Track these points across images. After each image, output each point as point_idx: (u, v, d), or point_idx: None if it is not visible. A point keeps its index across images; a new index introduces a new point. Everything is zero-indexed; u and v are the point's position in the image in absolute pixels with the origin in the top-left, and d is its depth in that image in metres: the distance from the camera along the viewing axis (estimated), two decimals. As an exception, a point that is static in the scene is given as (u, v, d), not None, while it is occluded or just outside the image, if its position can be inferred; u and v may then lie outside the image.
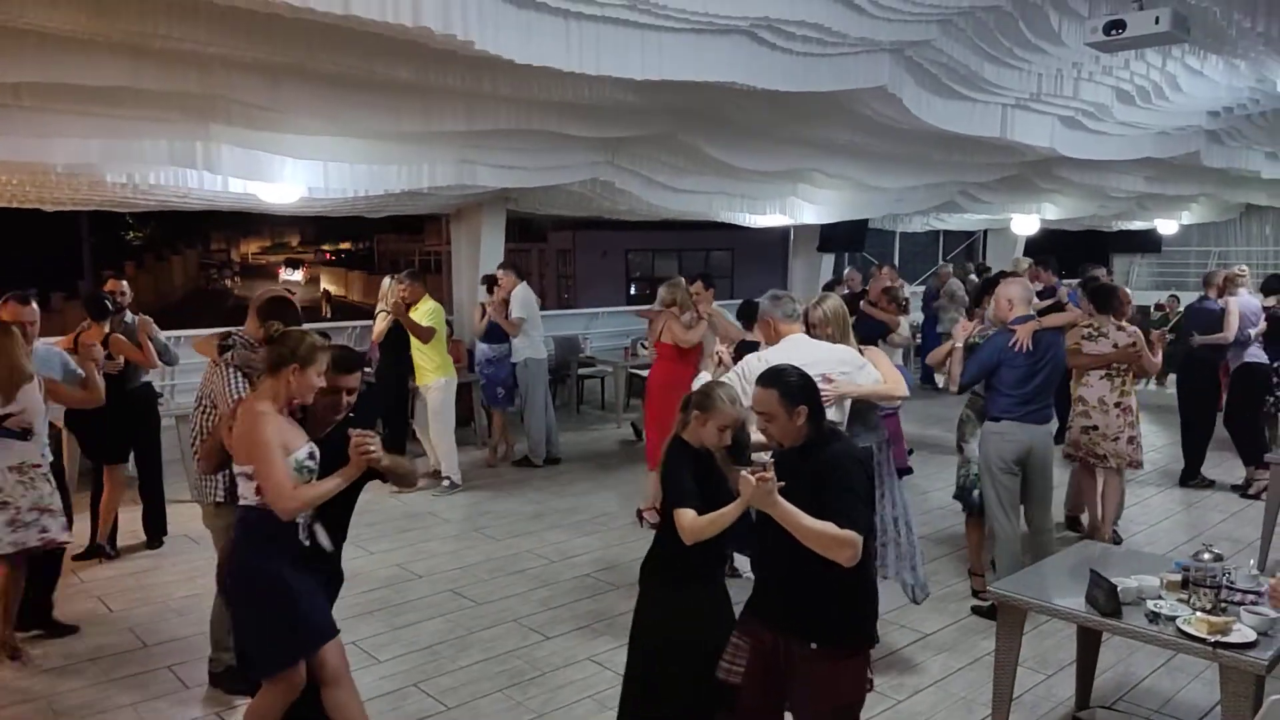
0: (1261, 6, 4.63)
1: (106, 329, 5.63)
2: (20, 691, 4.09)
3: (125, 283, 6.34)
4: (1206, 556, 3.18)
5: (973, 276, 14.01)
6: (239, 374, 3.77)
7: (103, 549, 5.74)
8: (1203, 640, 2.94)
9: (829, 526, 2.57)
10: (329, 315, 33.50)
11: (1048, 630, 4.60)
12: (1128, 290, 6.95)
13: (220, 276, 55.05)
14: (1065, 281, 9.59)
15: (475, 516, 6.76)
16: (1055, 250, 11.10)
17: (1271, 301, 7.62)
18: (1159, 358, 5.93)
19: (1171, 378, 9.33)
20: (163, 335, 6.11)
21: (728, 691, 2.91)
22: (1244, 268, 7.94)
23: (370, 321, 8.06)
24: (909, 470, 7.67)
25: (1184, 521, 6.70)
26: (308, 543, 3.06)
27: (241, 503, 3.07)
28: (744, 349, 4.84)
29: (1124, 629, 3.18)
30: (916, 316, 12.02)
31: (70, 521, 4.53)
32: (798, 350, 3.95)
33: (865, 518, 2.67)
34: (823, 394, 3.88)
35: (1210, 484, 7.51)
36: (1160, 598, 3.23)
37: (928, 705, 4.00)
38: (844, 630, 2.74)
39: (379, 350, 7.57)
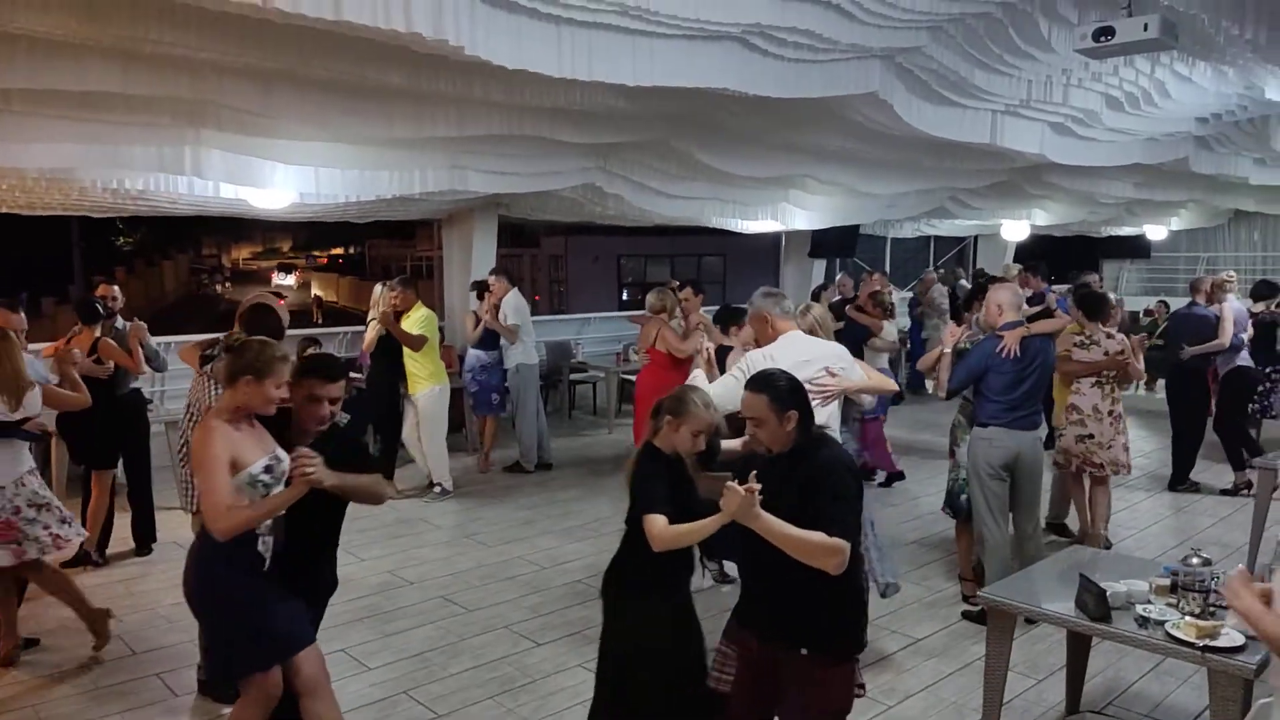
0: (1249, 14, 4.66)
1: (97, 333, 5.62)
2: (6, 701, 4.06)
3: (116, 288, 6.32)
4: (1195, 561, 3.20)
5: (963, 282, 14.07)
6: (218, 385, 3.76)
7: (89, 555, 5.71)
8: (1191, 644, 2.96)
9: (813, 535, 2.55)
10: (320, 321, 33.41)
11: (1038, 635, 4.61)
12: (1112, 295, 6.99)
13: (211, 282, 54.87)
14: (1054, 288, 9.64)
15: (466, 523, 6.75)
16: (1045, 256, 11.16)
17: (1260, 307, 7.67)
18: (1141, 363, 5.96)
19: (1160, 383, 9.37)
20: (154, 341, 6.09)
21: (716, 700, 2.91)
22: (1232, 274, 7.99)
23: (362, 327, 8.04)
24: (900, 475, 7.71)
25: (1173, 526, 6.72)
26: (265, 552, 3.01)
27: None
28: (720, 355, 4.80)
29: (1113, 633, 3.19)
30: (905, 322, 12.04)
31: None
32: (796, 347, 3.96)
33: (856, 524, 2.67)
34: (827, 388, 3.92)
35: (1198, 488, 7.54)
36: (1149, 602, 3.24)
37: (918, 710, 4.01)
38: (833, 636, 2.73)
39: (370, 358, 7.54)
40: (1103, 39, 4.57)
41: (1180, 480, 7.56)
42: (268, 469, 2.99)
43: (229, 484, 2.88)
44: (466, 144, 6.47)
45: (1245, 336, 7.51)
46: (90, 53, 4.17)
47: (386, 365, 7.31)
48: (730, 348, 5.09)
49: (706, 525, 2.73)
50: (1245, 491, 7.13)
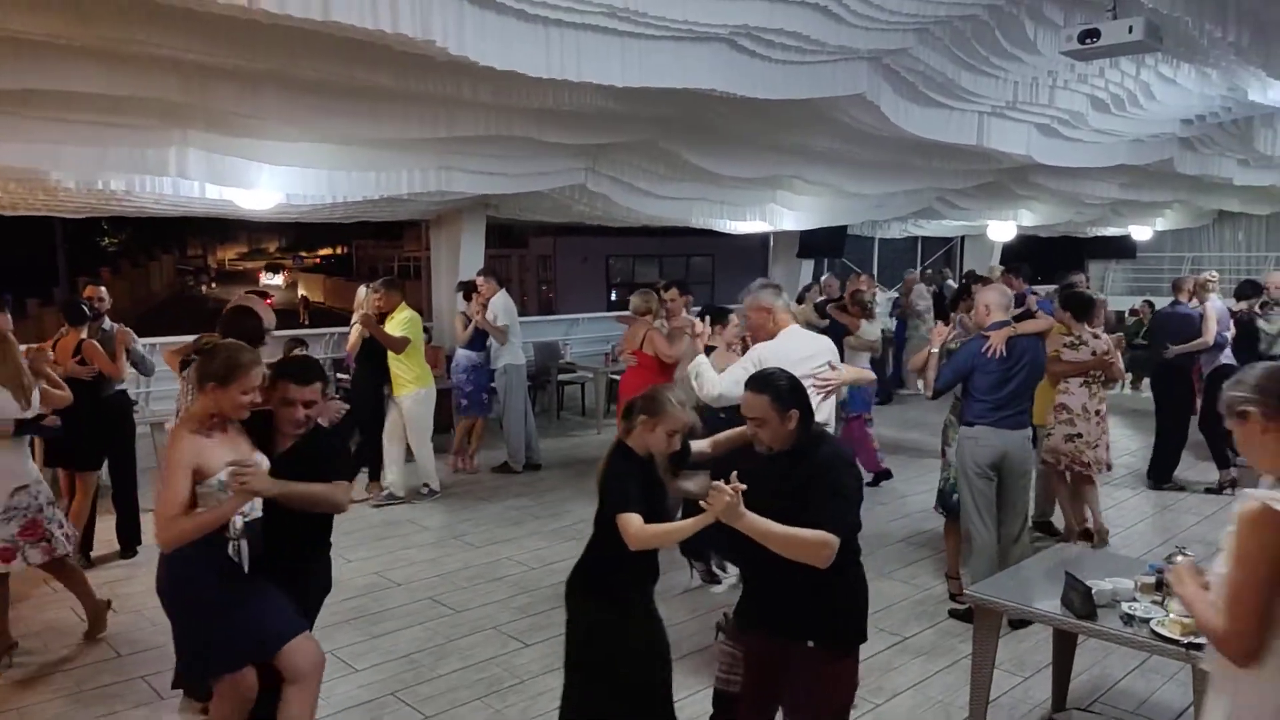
0: (1232, 16, 4.69)
1: (83, 335, 5.59)
2: (-9, 703, 4.04)
3: (104, 289, 6.29)
4: (1180, 559, 3.20)
5: (950, 282, 14.15)
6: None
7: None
8: (1176, 642, 2.99)
9: (798, 531, 2.57)
10: (306, 321, 33.26)
11: (1024, 633, 4.63)
12: (1098, 296, 7.05)
13: (197, 283, 54.59)
14: (1035, 289, 9.68)
15: (454, 524, 6.73)
16: (1031, 256, 11.23)
17: (1242, 306, 7.73)
18: (1121, 363, 6.05)
19: (1146, 381, 9.44)
20: (141, 345, 6.08)
21: (726, 701, 2.92)
22: (1214, 273, 8.06)
23: (348, 329, 8.00)
24: (887, 474, 7.74)
25: (1158, 524, 6.77)
26: (235, 558, 3.00)
27: None
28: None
29: (1099, 631, 3.22)
30: (892, 322, 12.08)
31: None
32: (799, 342, 4.00)
33: (853, 520, 2.70)
34: (830, 381, 3.95)
35: (1183, 487, 7.59)
36: (1135, 600, 3.27)
37: (906, 709, 4.02)
38: (839, 628, 2.77)
39: (355, 360, 7.45)
40: (1088, 41, 4.60)
41: (1164, 479, 7.61)
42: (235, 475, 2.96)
43: (182, 495, 2.87)
44: (455, 145, 6.46)
45: (1229, 335, 7.57)
46: (76, 53, 4.14)
47: (371, 368, 7.23)
48: (714, 347, 5.10)
49: (686, 526, 2.73)
50: (1230, 490, 7.20)
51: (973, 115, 6.51)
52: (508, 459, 8.18)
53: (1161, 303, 9.57)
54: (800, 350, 3.89)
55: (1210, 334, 7.40)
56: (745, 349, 4.21)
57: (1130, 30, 4.49)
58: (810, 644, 2.72)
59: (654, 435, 2.93)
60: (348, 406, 3.84)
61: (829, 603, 2.72)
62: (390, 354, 7.01)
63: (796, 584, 2.69)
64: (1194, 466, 7.95)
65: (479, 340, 7.98)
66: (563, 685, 3.10)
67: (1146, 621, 3.12)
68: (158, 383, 7.86)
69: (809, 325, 5.22)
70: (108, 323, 5.87)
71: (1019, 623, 4.50)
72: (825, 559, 2.57)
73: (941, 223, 14.14)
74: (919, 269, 16.28)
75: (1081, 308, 5.93)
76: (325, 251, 56.54)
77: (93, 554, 5.86)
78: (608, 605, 2.97)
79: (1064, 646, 3.94)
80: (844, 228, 13.08)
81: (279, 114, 5.12)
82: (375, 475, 7.37)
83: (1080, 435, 5.83)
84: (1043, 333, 5.15)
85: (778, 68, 4.93)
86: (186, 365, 4.18)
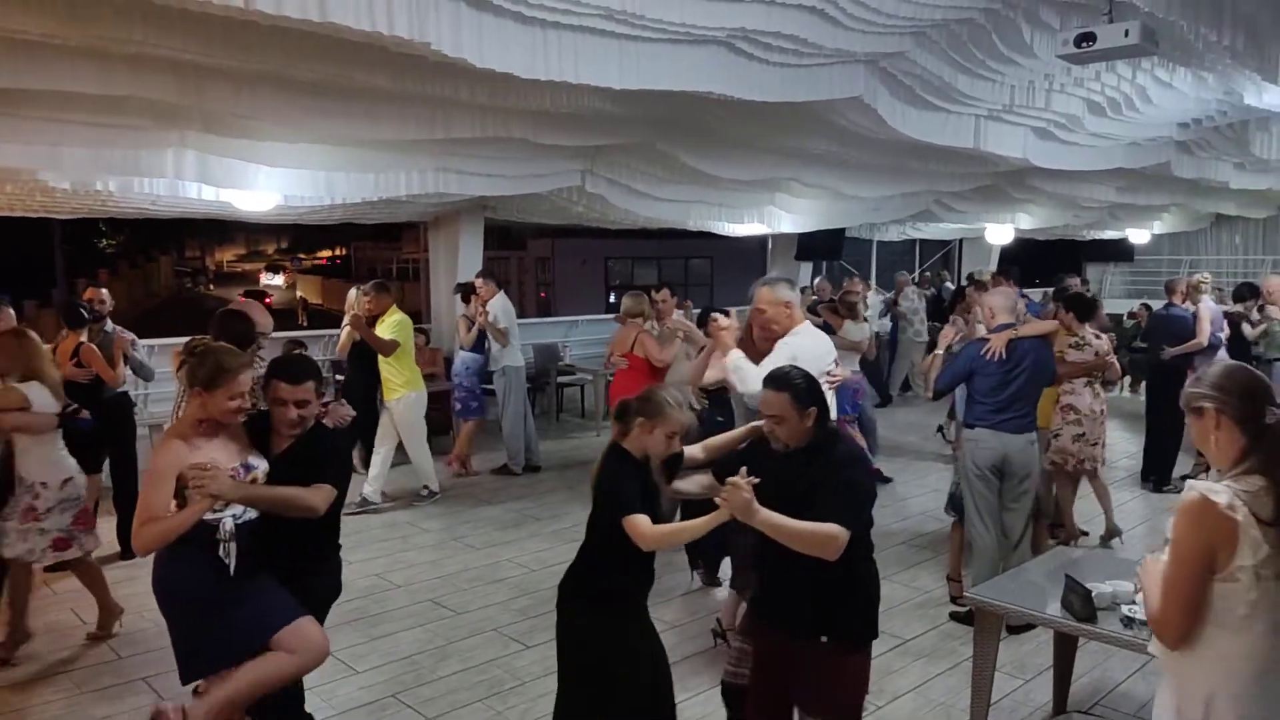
0: (1227, 21, 4.71)
1: (83, 338, 5.58)
2: (-10, 706, 4.04)
3: (105, 290, 6.26)
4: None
5: (948, 284, 14.16)
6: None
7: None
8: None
9: (810, 525, 2.59)
10: (305, 323, 33.25)
11: (1025, 636, 4.63)
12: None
13: (195, 284, 54.57)
14: (1025, 292, 9.70)
15: (454, 525, 6.73)
16: (1029, 259, 11.25)
17: (1238, 308, 7.76)
18: (1117, 363, 6.13)
19: (1145, 384, 9.45)
20: (143, 349, 6.10)
21: (733, 694, 2.94)
22: (1206, 275, 8.08)
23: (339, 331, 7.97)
24: (883, 477, 7.74)
25: (1157, 526, 6.78)
26: (227, 559, 2.99)
27: None
28: None
29: (1099, 634, 3.22)
30: (886, 325, 12.09)
31: None
32: (817, 337, 4.03)
33: (865, 516, 2.75)
34: (836, 377, 3.97)
35: (1180, 490, 7.60)
36: (1134, 602, 3.26)
37: (907, 711, 4.03)
38: (851, 623, 2.80)
39: (346, 362, 7.40)
40: (1084, 45, 4.61)
41: (1165, 481, 7.62)
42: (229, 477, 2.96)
43: (158, 501, 2.89)
44: (452, 146, 6.46)
45: (1223, 335, 7.59)
46: (72, 53, 4.13)
47: (361, 368, 7.18)
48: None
49: (699, 524, 2.71)
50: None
51: (969, 118, 6.52)
52: (507, 461, 8.18)
53: (1158, 306, 9.59)
54: (823, 347, 3.96)
55: (1204, 335, 7.42)
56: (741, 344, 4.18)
57: (1126, 34, 4.50)
58: (823, 639, 2.75)
59: (652, 437, 2.90)
60: (354, 413, 3.82)
61: (841, 599, 2.75)
62: (380, 357, 6.93)
63: (810, 580, 2.72)
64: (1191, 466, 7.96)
65: (480, 342, 7.99)
66: (556, 693, 3.04)
67: (1146, 624, 3.11)
68: (158, 384, 7.85)
69: None
70: (109, 324, 5.87)
71: (1018, 628, 4.50)
72: (835, 551, 2.60)
73: (939, 225, 14.16)
74: (917, 271, 16.31)
75: (1084, 309, 5.98)
76: (324, 253, 56.51)
77: (94, 556, 5.84)
78: (605, 611, 2.93)
79: (1065, 649, 3.94)
80: (842, 230, 13.09)
81: (276, 115, 5.13)
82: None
83: (1084, 435, 5.91)
84: (1048, 335, 5.14)
85: (775, 70, 4.94)
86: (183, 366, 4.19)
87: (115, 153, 5.65)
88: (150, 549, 2.92)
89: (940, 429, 9.50)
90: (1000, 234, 14.29)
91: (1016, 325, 4.88)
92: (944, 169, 8.21)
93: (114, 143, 5.55)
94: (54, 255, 27.95)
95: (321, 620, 3.34)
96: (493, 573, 5.74)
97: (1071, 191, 10.12)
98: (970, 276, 11.61)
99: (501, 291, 8.01)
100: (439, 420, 9.04)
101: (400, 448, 7.21)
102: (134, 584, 5.50)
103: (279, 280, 54.87)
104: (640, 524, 2.74)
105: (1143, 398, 9.47)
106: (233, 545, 2.99)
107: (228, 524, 2.97)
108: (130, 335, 6.10)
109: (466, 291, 8.21)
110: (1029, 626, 4.42)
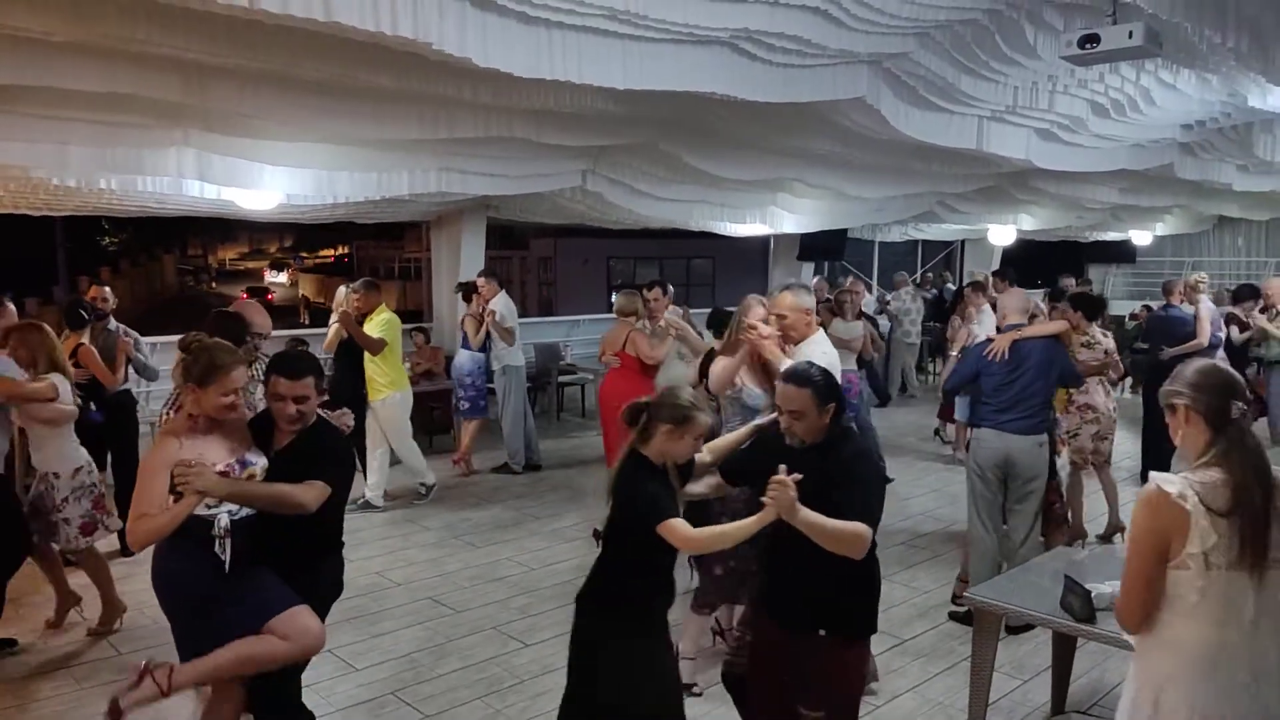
0: (1231, 23, 4.71)
1: (84, 338, 5.58)
2: (-9, 701, 4.05)
3: (108, 289, 6.26)
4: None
5: (950, 285, 14.16)
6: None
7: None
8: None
9: (847, 525, 2.62)
10: (307, 321, 33.28)
11: (1024, 636, 4.64)
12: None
13: (198, 282, 54.64)
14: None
15: (454, 524, 6.74)
16: (1032, 260, 11.23)
17: (1235, 310, 7.76)
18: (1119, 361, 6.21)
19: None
20: (146, 349, 6.12)
21: (733, 680, 2.97)
22: (1204, 275, 8.08)
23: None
24: (886, 479, 7.75)
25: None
26: (222, 555, 2.99)
27: None
28: (710, 359, 4.79)
29: (1098, 634, 3.22)
30: (886, 324, 12.10)
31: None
32: (829, 347, 4.07)
33: (880, 511, 2.79)
34: None
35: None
36: (1133, 603, 3.27)
37: (905, 711, 4.03)
38: (851, 617, 2.83)
39: (334, 360, 7.35)
40: (1088, 46, 4.61)
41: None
42: (222, 475, 2.96)
43: (153, 498, 2.90)
44: (455, 146, 6.46)
45: (1222, 335, 7.59)
46: (76, 51, 4.14)
47: (348, 365, 7.13)
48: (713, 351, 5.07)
49: (747, 525, 2.63)
50: None
51: (972, 119, 6.52)
52: (508, 460, 8.18)
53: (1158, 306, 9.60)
54: (835, 354, 4.01)
55: (1204, 335, 7.42)
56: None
57: (1130, 36, 4.50)
58: (821, 632, 2.78)
59: (681, 443, 2.84)
60: (354, 422, 3.81)
61: (842, 592, 2.78)
62: (366, 357, 6.87)
63: (811, 574, 2.75)
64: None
65: (484, 341, 7.99)
66: (559, 705, 2.99)
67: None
68: (162, 382, 7.87)
69: None
70: (113, 323, 5.87)
71: (1017, 628, 4.50)
72: (862, 550, 2.66)
73: (942, 226, 14.16)
74: (919, 272, 16.30)
75: (1092, 308, 6.01)
76: (327, 252, 56.53)
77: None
78: (614, 615, 2.88)
79: (1063, 650, 3.95)
80: (844, 231, 13.10)
81: (280, 114, 5.13)
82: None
83: (1099, 431, 6.00)
84: (1058, 336, 5.09)
85: (778, 71, 4.94)
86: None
87: (118, 151, 5.66)
88: (143, 544, 2.94)
89: (936, 431, 9.52)
90: (1002, 235, 14.29)
91: (1023, 327, 4.89)
92: (947, 170, 8.21)
93: (117, 141, 5.56)
94: (56, 253, 27.99)
95: (323, 618, 3.34)
96: (492, 571, 5.75)
97: (1074, 193, 10.11)
98: (974, 280, 11.62)
99: (503, 291, 8.01)
100: (440, 419, 9.06)
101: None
102: (134, 581, 5.50)
103: (283, 278, 54.95)
104: (680, 528, 2.68)
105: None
106: (227, 541, 3.00)
107: (223, 520, 2.98)
108: (134, 335, 6.11)
109: (468, 291, 8.22)
110: (1028, 626, 4.42)
